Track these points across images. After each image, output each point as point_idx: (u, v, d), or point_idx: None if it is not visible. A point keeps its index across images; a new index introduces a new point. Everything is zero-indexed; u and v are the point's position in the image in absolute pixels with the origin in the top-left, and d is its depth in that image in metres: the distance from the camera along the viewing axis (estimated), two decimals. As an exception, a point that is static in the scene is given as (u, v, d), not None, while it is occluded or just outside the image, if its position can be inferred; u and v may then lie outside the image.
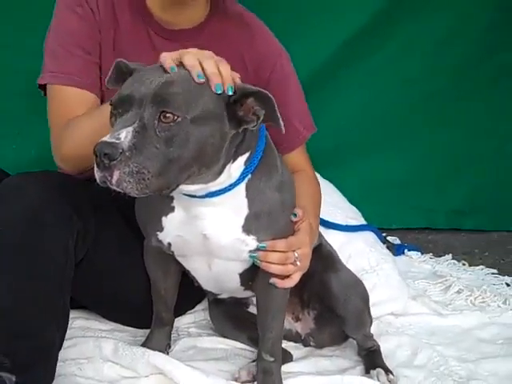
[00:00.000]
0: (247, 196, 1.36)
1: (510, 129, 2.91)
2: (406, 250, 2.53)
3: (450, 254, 2.57)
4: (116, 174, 1.13)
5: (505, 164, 2.93)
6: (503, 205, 2.94)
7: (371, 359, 1.69)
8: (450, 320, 2.00)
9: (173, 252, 1.48)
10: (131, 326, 1.76)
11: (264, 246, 1.40)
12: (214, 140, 1.22)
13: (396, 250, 2.51)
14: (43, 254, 1.34)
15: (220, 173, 1.29)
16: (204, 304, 1.89)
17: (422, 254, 2.56)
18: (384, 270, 2.09)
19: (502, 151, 2.93)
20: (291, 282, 1.46)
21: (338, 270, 1.67)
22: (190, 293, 1.69)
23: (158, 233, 1.44)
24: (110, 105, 1.23)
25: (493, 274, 2.41)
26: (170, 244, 1.45)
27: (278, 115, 1.24)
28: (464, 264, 2.50)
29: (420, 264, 2.46)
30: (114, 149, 1.12)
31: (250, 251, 1.40)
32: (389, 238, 2.65)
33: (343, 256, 1.87)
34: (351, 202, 2.42)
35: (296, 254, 1.42)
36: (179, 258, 1.52)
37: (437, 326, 1.96)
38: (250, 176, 1.35)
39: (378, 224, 2.55)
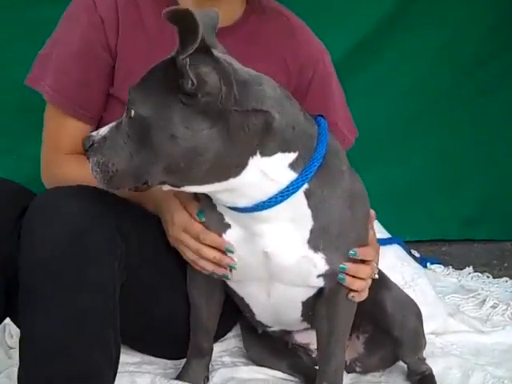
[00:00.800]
0: (310, 206, 1.21)
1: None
2: (428, 264, 2.41)
3: (471, 267, 2.47)
4: (90, 164, 1.16)
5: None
6: (515, 214, 2.85)
7: (426, 385, 1.55)
8: (492, 337, 1.88)
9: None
10: (161, 357, 1.58)
11: (354, 254, 1.26)
12: (176, 131, 1.09)
13: (419, 264, 2.37)
14: (91, 284, 1.18)
15: (241, 167, 1.13)
16: (234, 331, 1.72)
17: (445, 266, 2.44)
18: (419, 285, 1.97)
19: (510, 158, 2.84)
20: (364, 295, 1.35)
21: (391, 288, 1.53)
22: (222, 320, 1.52)
23: None
24: None
25: (519, 285, 2.31)
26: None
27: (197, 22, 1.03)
28: (488, 276, 2.39)
29: (445, 278, 2.35)
30: (87, 140, 1.17)
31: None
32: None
33: (375, 272, 1.75)
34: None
35: (375, 265, 1.30)
36: (233, 285, 1.36)
37: (480, 344, 1.84)
38: (306, 185, 1.19)
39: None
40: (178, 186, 1.17)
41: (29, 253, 1.19)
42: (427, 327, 1.84)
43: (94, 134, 1.18)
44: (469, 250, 2.76)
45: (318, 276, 1.27)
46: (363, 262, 1.30)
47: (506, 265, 2.59)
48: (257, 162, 1.14)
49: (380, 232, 2.19)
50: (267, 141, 1.13)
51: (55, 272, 1.16)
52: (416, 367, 1.57)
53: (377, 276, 1.34)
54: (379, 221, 2.32)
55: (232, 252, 1.25)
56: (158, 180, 1.15)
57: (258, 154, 1.13)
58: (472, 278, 2.37)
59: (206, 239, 1.27)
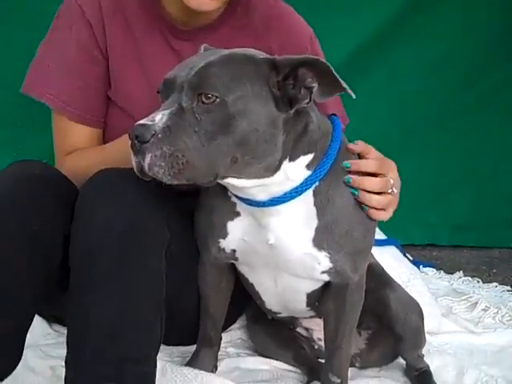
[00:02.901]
0: (315, 204, 1.25)
1: (509, 143, 2.90)
2: (421, 266, 2.46)
3: (461, 271, 2.53)
4: (148, 158, 1.06)
5: (504, 179, 2.91)
6: (503, 221, 2.93)
7: (423, 380, 1.60)
8: (484, 338, 1.93)
9: (237, 259, 1.35)
10: (169, 344, 1.61)
11: (347, 165, 1.27)
12: (259, 125, 1.12)
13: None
14: (146, 270, 1.21)
15: (276, 169, 1.18)
16: (238, 322, 1.77)
17: (436, 270, 2.50)
18: (415, 286, 2.03)
19: (500, 167, 2.92)
20: (387, 215, 1.32)
21: (395, 288, 1.58)
22: (228, 311, 1.56)
23: (221, 240, 1.32)
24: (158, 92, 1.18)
25: (508, 291, 2.37)
26: (234, 251, 1.33)
27: (339, 79, 1.12)
28: (478, 281, 2.45)
29: (437, 280, 2.41)
30: (145, 130, 1.06)
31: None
32: (401, 252, 2.57)
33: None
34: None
35: (392, 181, 1.30)
36: (244, 269, 1.40)
37: (473, 345, 1.89)
38: (317, 183, 1.24)
39: (382, 240, 2.49)
40: (225, 177, 1.17)
41: (88, 235, 1.20)
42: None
43: (148, 122, 1.07)
44: (458, 256, 2.83)
45: (322, 272, 1.31)
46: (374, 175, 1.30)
47: (494, 271, 2.65)
48: (285, 166, 1.20)
49: (378, 234, 2.24)
50: (298, 144, 1.20)
51: (115, 257, 1.18)
52: (415, 363, 1.63)
53: (395, 190, 1.31)
54: None
55: None
56: (226, 172, 1.13)
57: (287, 158, 1.19)
58: (463, 281, 2.43)
59: None
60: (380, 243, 2.15)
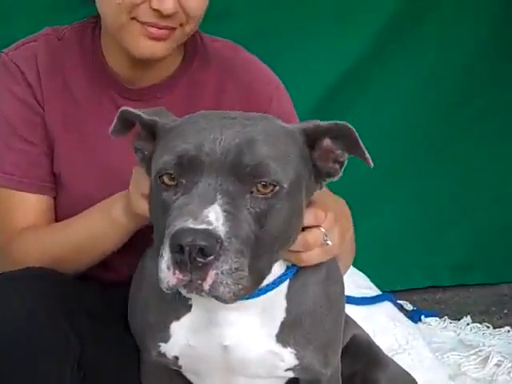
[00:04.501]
0: (287, 296, 1.04)
1: (508, 169, 2.69)
2: (422, 317, 2.24)
3: (469, 316, 2.32)
4: (211, 276, 0.84)
5: (506, 208, 2.69)
6: (510, 253, 2.69)
7: None
8: (500, 403, 1.71)
9: (180, 367, 1.13)
10: None
11: None
12: (302, 207, 0.96)
13: (411, 318, 2.21)
14: None
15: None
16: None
17: (440, 318, 2.28)
18: (415, 348, 1.82)
19: (501, 195, 2.69)
20: (311, 263, 1.04)
21: (385, 365, 1.35)
22: None
23: (162, 344, 1.08)
24: (159, 176, 0.92)
25: (522, 336, 2.15)
26: (176, 358, 1.09)
27: (363, 148, 0.96)
28: (488, 327, 2.25)
29: (442, 332, 2.18)
30: (210, 239, 0.82)
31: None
32: (399, 302, 2.34)
33: (366, 335, 1.58)
34: (349, 265, 2.14)
35: (323, 230, 1.03)
36: (190, 376, 1.17)
37: (488, 413, 1.68)
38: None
39: (381, 287, 2.26)
40: None
41: None
42: (427, 395, 1.69)
43: (207, 227, 0.82)
44: (464, 297, 2.60)
45: (287, 370, 1.08)
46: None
47: (505, 311, 2.44)
48: None
49: (369, 288, 2.08)
50: None
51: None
52: None
53: (329, 242, 1.04)
54: (367, 272, 2.23)
55: None
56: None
57: None
58: (471, 329, 2.23)
59: None
60: (372, 301, 1.95)
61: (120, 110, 1.02)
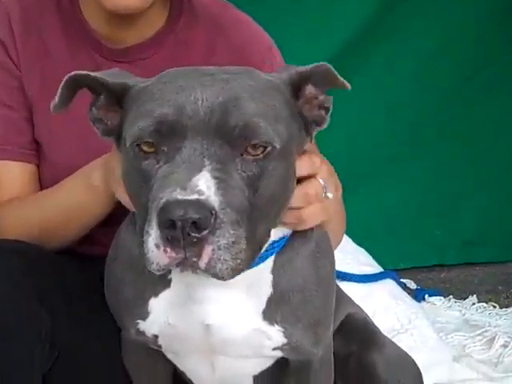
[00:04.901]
0: (273, 270, 0.95)
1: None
2: (426, 296, 2.16)
3: (474, 295, 2.24)
4: (207, 252, 0.76)
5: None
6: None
7: None
8: (505, 385, 1.63)
9: (160, 346, 1.05)
10: None
11: None
12: (294, 165, 0.89)
13: (415, 297, 2.14)
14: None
15: None
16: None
17: (445, 297, 2.20)
18: (417, 327, 1.75)
19: (510, 172, 2.61)
20: (311, 222, 0.97)
21: (382, 346, 1.26)
22: None
23: (140, 321, 1.00)
24: (136, 145, 0.83)
25: (530, 315, 2.07)
26: (156, 336, 1.02)
27: (342, 79, 0.87)
28: (494, 306, 2.17)
29: (446, 311, 2.11)
30: (203, 210, 0.74)
31: None
32: (403, 280, 2.26)
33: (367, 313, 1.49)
34: (351, 242, 2.08)
35: (322, 182, 0.95)
36: (170, 356, 1.09)
37: (493, 396, 1.60)
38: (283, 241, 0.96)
39: (384, 265, 2.18)
40: None
41: None
42: (430, 377, 1.61)
43: (199, 197, 0.75)
44: (470, 275, 2.53)
45: (274, 349, 1.00)
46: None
47: (512, 290, 2.35)
48: None
49: (371, 265, 2.00)
50: None
51: None
52: None
53: (329, 195, 0.97)
54: (370, 250, 2.15)
55: None
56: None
57: None
58: (476, 309, 2.15)
59: None
60: (373, 278, 1.88)
61: (68, 76, 0.89)
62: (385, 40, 2.41)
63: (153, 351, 1.08)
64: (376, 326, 1.34)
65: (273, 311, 0.96)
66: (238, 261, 0.78)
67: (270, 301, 0.96)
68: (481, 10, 2.44)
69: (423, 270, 2.55)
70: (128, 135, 0.85)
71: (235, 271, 0.79)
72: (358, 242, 2.12)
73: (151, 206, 0.78)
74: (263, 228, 0.84)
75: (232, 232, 0.77)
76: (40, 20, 1.28)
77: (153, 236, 0.77)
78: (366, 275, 1.86)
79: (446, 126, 2.53)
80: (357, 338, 1.25)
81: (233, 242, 0.77)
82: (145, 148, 0.82)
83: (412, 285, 2.29)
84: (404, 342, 1.63)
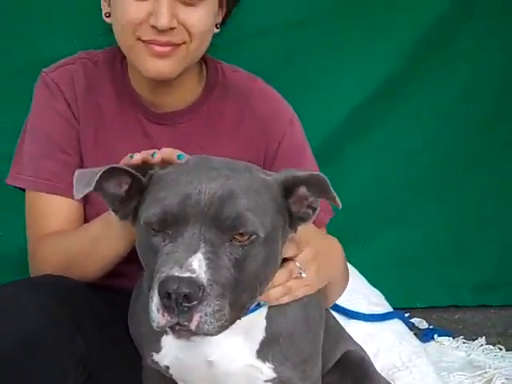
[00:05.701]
0: (267, 317, 1.15)
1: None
2: (436, 336, 2.28)
3: (484, 337, 2.34)
4: (196, 318, 0.96)
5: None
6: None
7: None
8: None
9: (171, 375, 1.25)
10: None
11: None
12: (280, 249, 1.08)
13: (424, 336, 2.26)
14: None
15: None
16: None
17: (454, 338, 2.31)
18: (417, 366, 1.87)
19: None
20: (290, 298, 1.17)
21: (375, 382, 1.42)
22: None
23: (154, 354, 1.21)
24: (148, 224, 1.04)
25: (534, 359, 2.17)
26: (167, 367, 1.22)
27: (334, 194, 1.06)
28: (500, 349, 2.26)
29: (453, 351, 2.22)
30: (193, 286, 0.94)
31: None
32: (415, 319, 2.40)
33: (371, 351, 1.67)
34: (368, 282, 2.23)
35: (298, 264, 1.17)
36: (180, 383, 1.29)
37: None
38: None
39: (401, 304, 2.34)
40: None
41: None
42: (426, 413, 1.75)
43: (190, 275, 0.94)
44: (484, 318, 2.60)
45: (266, 381, 1.19)
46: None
47: (522, 335, 2.44)
48: None
49: (381, 305, 2.11)
50: None
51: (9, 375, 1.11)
52: None
53: (303, 275, 1.17)
54: (386, 288, 2.27)
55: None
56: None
57: None
58: (483, 350, 2.24)
59: None
60: (380, 318, 2.00)
61: (107, 167, 1.08)
62: (407, 90, 2.51)
63: (168, 378, 1.27)
64: (372, 365, 1.49)
65: (265, 352, 1.15)
66: (222, 321, 0.97)
67: (262, 343, 1.15)
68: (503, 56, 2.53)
69: (439, 309, 2.62)
70: (142, 216, 1.05)
71: (221, 328, 0.98)
72: (374, 281, 2.25)
73: (155, 276, 0.99)
74: (247, 296, 1.03)
75: (217, 302, 0.96)
76: (97, 84, 1.49)
77: (155, 301, 0.97)
78: (374, 314, 1.99)
79: (464, 169, 2.60)
80: (352, 375, 1.41)
81: (218, 310, 0.96)
82: (155, 227, 1.03)
83: (423, 324, 2.40)
84: (404, 380, 1.78)
